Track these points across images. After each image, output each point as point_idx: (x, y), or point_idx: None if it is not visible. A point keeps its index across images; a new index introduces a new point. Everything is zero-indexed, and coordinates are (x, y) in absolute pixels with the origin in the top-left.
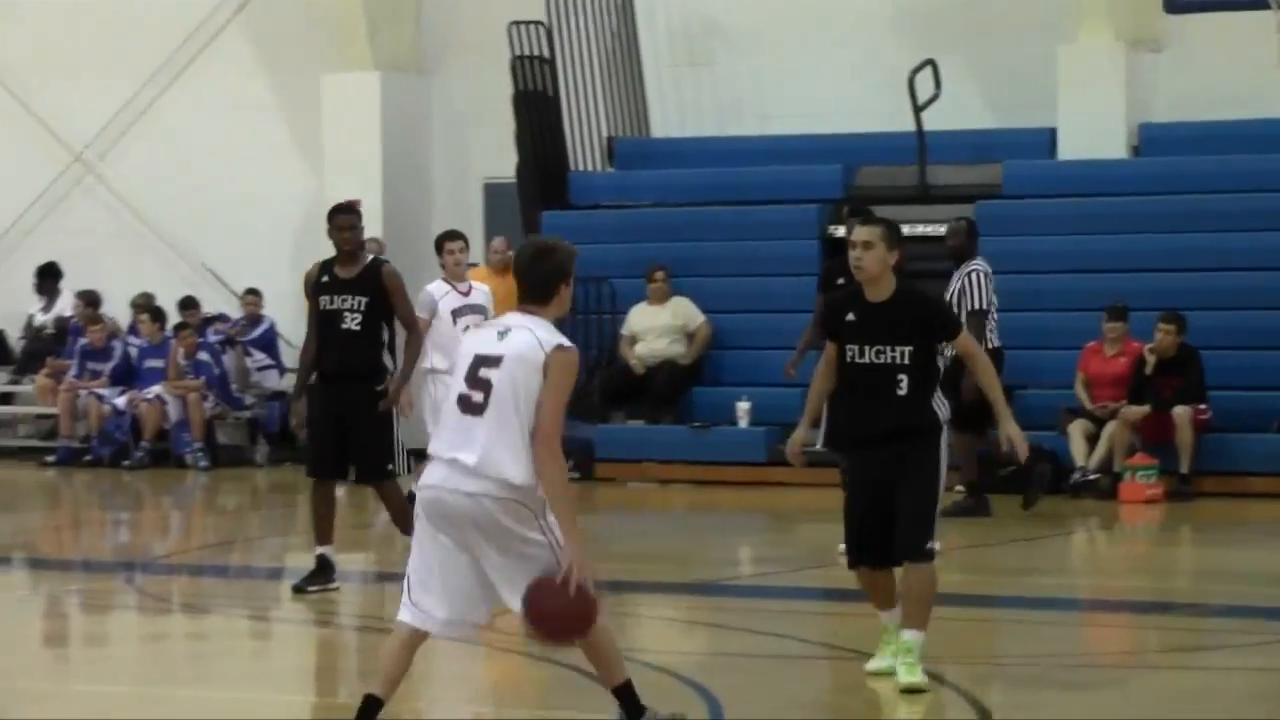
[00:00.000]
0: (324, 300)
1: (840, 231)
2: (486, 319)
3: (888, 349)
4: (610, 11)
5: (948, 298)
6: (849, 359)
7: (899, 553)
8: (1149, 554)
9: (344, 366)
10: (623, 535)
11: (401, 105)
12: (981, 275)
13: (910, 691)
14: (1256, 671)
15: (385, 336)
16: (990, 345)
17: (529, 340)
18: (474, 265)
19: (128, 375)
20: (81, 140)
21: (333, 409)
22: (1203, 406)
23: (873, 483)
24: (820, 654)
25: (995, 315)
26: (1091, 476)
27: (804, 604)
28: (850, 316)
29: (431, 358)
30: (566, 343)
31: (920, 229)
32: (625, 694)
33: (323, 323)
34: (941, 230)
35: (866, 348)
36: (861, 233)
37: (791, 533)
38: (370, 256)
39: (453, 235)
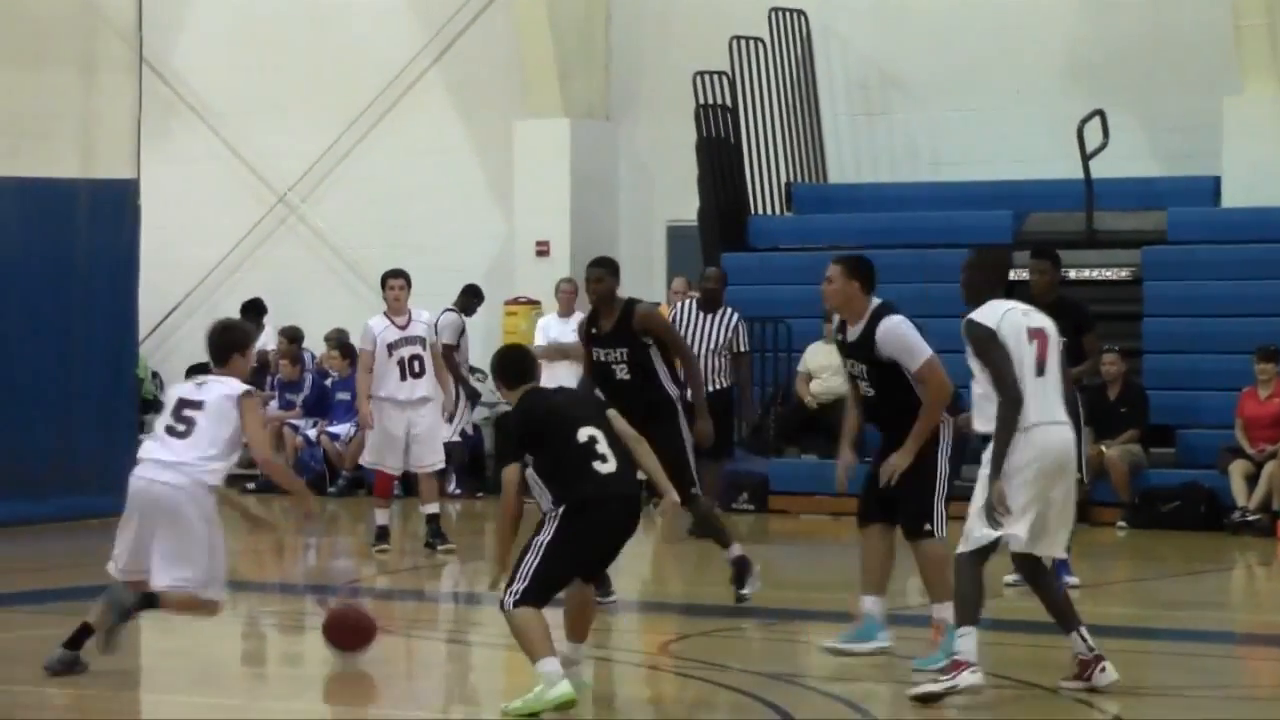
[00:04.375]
0: (596, 353)
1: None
2: (424, 349)
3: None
4: (790, 63)
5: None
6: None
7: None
8: None
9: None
10: (795, 565)
11: (590, 150)
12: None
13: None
14: None
15: (664, 372)
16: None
17: (222, 388)
18: (657, 304)
19: (320, 406)
20: (285, 182)
21: None
22: None
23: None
24: (994, 684)
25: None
26: (1251, 517)
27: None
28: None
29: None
30: (250, 388)
31: (1087, 273)
32: None
33: (598, 372)
34: (1108, 275)
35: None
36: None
37: None
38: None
39: (395, 274)
